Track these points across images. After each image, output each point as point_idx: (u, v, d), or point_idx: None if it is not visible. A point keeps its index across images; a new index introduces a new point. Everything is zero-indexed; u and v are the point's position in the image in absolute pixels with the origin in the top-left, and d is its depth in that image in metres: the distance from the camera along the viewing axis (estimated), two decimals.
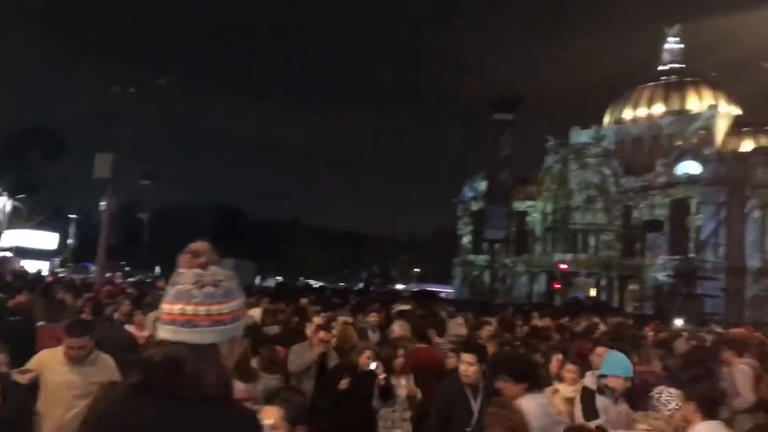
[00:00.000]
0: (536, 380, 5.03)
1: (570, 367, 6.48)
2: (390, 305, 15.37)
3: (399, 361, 7.05)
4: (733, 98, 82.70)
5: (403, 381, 7.00)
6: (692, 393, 4.87)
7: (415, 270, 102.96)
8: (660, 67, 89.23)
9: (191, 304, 1.91)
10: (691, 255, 63.77)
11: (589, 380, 5.82)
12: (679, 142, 74.28)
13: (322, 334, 7.76)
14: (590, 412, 5.50)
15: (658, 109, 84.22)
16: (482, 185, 74.72)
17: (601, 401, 5.57)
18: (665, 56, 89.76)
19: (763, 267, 63.78)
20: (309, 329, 8.40)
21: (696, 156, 68.73)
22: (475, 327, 10.80)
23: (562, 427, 4.54)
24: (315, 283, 64.98)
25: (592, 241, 74.30)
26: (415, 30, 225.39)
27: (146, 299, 11.36)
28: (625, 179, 72.57)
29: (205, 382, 1.85)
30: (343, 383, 6.63)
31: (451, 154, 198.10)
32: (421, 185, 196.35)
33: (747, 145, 73.10)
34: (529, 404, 4.50)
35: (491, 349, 7.27)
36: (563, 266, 67.31)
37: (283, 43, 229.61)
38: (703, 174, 66.35)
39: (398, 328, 8.75)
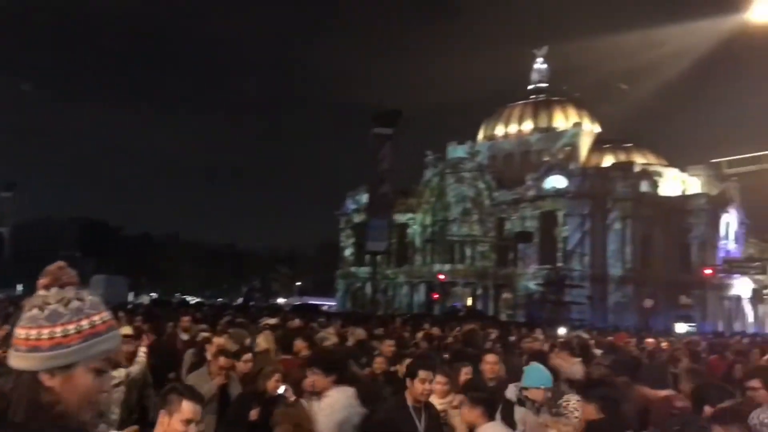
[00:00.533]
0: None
1: (440, 378, 5.99)
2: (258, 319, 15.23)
3: (309, 382, 6.62)
4: (595, 116, 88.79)
5: (314, 402, 6.55)
6: (591, 396, 4.99)
7: (297, 283, 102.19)
8: (529, 87, 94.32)
9: (23, 328, 1.83)
10: (559, 264, 67.37)
11: (511, 392, 5.76)
12: (546, 158, 78.60)
13: (222, 360, 6.82)
14: (509, 424, 5.46)
15: (528, 126, 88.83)
16: (364, 198, 75.50)
17: (520, 412, 5.56)
18: (534, 76, 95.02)
19: (623, 275, 68.47)
20: (209, 352, 7.54)
21: (562, 171, 72.82)
22: (341, 336, 11.25)
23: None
24: (192, 299, 62.97)
25: (468, 251, 76.86)
26: (300, 43, 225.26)
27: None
28: (498, 192, 75.69)
29: (15, 411, 1.74)
30: (253, 414, 5.84)
31: (334, 167, 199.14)
32: (303, 198, 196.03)
33: (607, 161, 78.54)
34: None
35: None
36: (441, 276, 69.22)
37: (156, 51, 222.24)
38: (569, 188, 70.41)
39: (263, 341, 8.66)
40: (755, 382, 5.99)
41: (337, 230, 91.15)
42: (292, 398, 5.89)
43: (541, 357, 7.68)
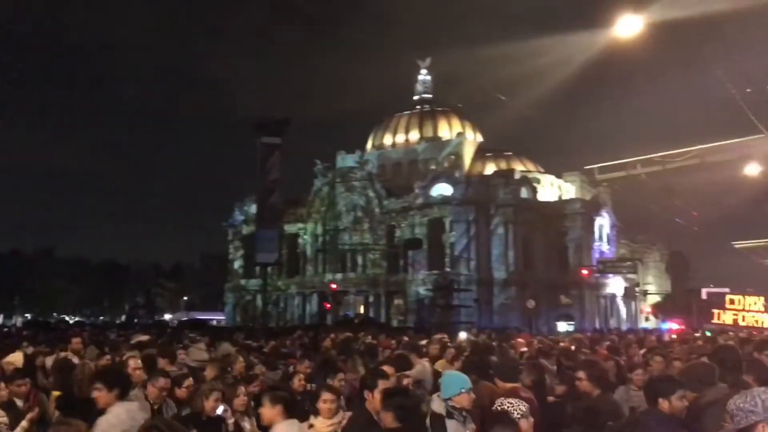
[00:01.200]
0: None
1: (327, 395, 5.61)
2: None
3: (241, 400, 6.21)
4: (478, 126, 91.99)
5: (246, 422, 6.20)
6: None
7: (184, 298, 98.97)
8: (415, 97, 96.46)
9: None
10: (447, 269, 69.22)
11: (437, 405, 5.49)
12: (433, 166, 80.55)
13: (162, 381, 6.40)
14: None
15: (414, 135, 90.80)
16: (252, 208, 74.25)
17: (451, 426, 5.35)
18: (419, 87, 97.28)
19: (507, 277, 71.26)
20: (135, 374, 7.05)
21: (448, 179, 74.97)
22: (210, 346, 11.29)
23: None
24: (71, 319, 59.58)
25: (359, 260, 77.39)
26: (184, 50, 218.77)
27: None
28: (388, 201, 76.82)
29: None
30: None
31: (220, 178, 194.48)
32: (188, 210, 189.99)
33: (490, 169, 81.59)
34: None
35: None
36: (334, 286, 69.19)
37: (29, 59, 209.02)
38: (454, 195, 72.59)
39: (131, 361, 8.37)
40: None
41: (225, 242, 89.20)
42: (231, 419, 5.74)
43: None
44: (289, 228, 79.89)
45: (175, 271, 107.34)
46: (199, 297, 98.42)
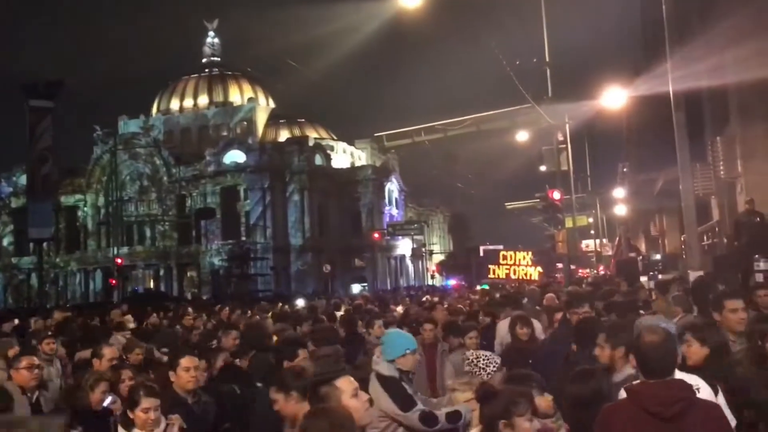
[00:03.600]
0: None
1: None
2: None
3: (126, 386, 5.44)
4: (269, 92, 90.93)
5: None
6: None
7: None
8: (203, 60, 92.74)
9: None
10: (243, 238, 68.30)
11: (385, 368, 4.84)
12: (224, 133, 78.43)
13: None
14: (404, 404, 4.64)
15: (203, 100, 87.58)
16: (22, 179, 67.17)
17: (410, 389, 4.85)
18: (207, 50, 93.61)
19: (303, 244, 72.10)
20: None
21: (240, 146, 73.58)
22: None
23: None
24: None
25: (147, 232, 73.61)
26: None
27: None
28: (177, 169, 73.47)
29: None
30: None
31: None
32: None
33: (283, 135, 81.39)
34: None
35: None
36: (119, 261, 65.10)
37: None
38: (248, 162, 71.46)
39: None
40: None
41: None
42: (119, 410, 4.90)
43: None
44: (67, 200, 73.53)
45: None
46: None
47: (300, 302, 19.38)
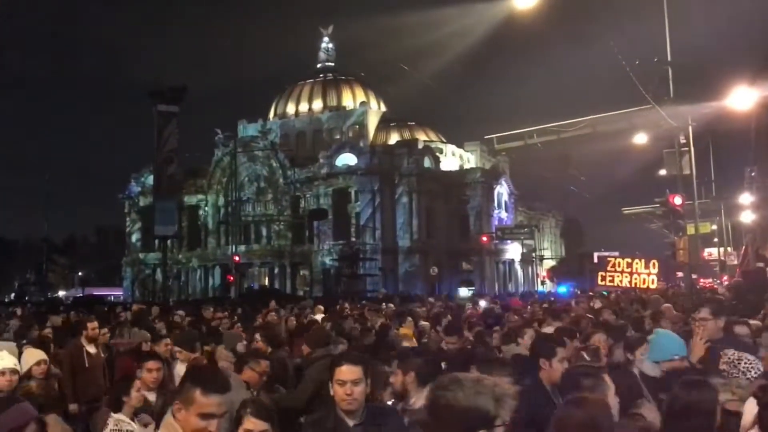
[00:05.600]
0: None
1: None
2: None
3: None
4: (381, 95, 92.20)
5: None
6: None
7: (79, 274, 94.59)
8: (318, 65, 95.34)
9: None
10: (353, 239, 69.53)
11: (649, 368, 4.60)
12: (337, 136, 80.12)
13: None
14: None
15: (318, 104, 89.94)
16: (150, 179, 71.59)
17: None
18: (321, 55, 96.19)
19: (411, 246, 72.49)
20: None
21: (352, 149, 75.01)
22: None
23: None
24: None
25: (264, 231, 76.38)
26: (71, 18, 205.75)
27: None
28: (292, 171, 75.94)
29: None
30: None
31: (115, 148, 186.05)
32: (78, 181, 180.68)
33: (393, 138, 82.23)
34: None
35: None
36: (237, 258, 67.94)
37: None
38: (359, 165, 72.73)
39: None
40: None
41: (122, 215, 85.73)
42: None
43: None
44: (189, 199, 77.64)
45: (68, 245, 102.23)
46: (95, 272, 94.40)
47: (483, 303, 19.49)
